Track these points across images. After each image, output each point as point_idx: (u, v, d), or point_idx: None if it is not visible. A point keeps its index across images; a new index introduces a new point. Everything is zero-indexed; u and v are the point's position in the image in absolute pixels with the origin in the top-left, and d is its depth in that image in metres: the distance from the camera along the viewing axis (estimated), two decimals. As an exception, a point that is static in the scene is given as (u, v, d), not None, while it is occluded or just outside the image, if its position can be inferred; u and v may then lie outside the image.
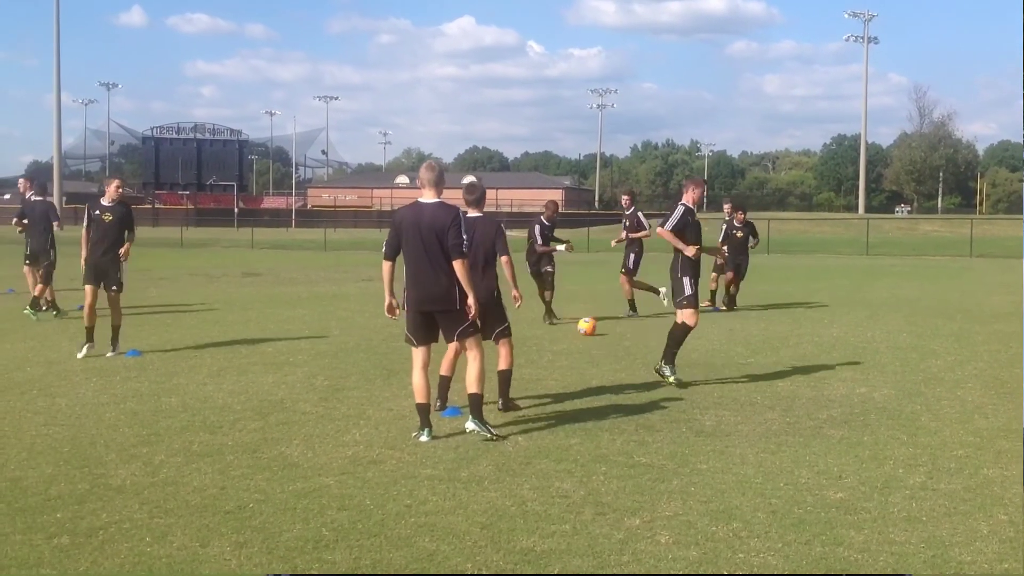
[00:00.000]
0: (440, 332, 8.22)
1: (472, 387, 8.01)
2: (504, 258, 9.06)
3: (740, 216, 19.64)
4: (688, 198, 10.89)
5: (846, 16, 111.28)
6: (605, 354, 12.74)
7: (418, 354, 8.07)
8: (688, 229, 10.77)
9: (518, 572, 5.11)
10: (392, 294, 8.20)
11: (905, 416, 8.96)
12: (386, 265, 8.12)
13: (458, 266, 7.86)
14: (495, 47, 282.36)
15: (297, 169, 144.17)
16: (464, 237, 7.96)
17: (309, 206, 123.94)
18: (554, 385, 10.41)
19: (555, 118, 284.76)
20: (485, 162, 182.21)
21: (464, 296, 7.93)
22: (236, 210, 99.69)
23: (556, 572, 5.10)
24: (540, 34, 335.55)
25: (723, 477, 6.89)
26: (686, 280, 10.59)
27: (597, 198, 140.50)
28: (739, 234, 19.36)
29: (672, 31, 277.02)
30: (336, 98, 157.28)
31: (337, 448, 7.64)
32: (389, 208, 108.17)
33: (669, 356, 10.54)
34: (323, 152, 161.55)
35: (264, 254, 45.81)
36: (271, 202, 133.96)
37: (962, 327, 15.85)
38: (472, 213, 8.96)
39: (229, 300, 20.63)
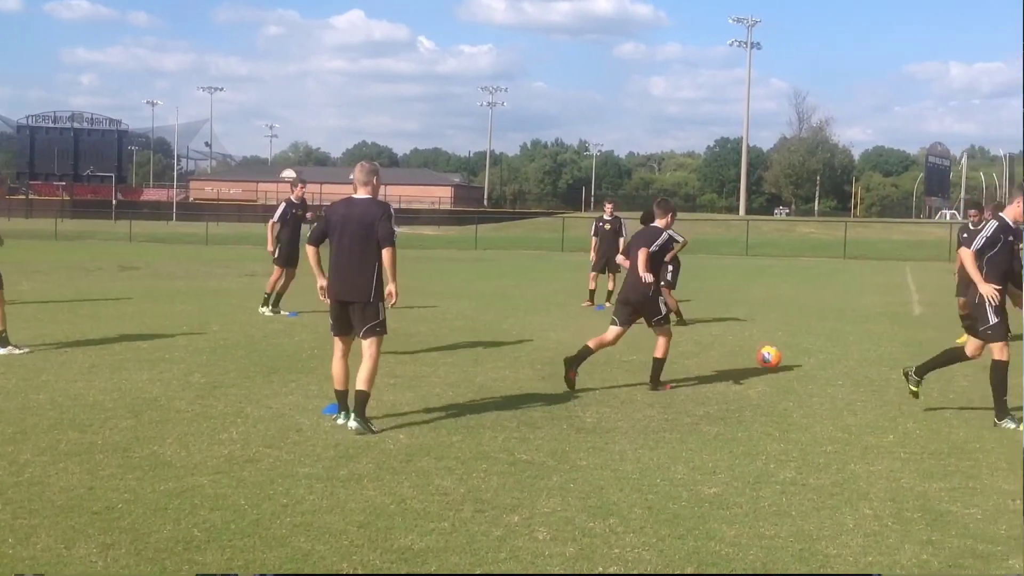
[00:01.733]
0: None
1: (361, 384, 8.12)
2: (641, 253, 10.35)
3: (608, 208, 20.08)
4: (1013, 213, 8.74)
5: (730, 21, 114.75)
6: (489, 351, 12.78)
7: (338, 343, 8.41)
8: (1000, 251, 8.71)
9: (394, 571, 5.08)
10: (323, 275, 8.47)
11: (778, 413, 9.20)
12: (311, 249, 8.52)
13: (387, 254, 8.19)
14: (385, 41, 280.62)
15: (179, 161, 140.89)
16: (395, 229, 8.33)
17: (191, 199, 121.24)
18: (438, 382, 10.38)
19: (445, 114, 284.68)
20: (374, 157, 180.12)
21: (380, 293, 8.28)
22: (114, 202, 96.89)
23: (433, 570, 5.09)
24: (431, 30, 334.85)
25: (602, 473, 6.96)
26: (988, 308, 8.69)
27: (486, 196, 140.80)
28: (608, 227, 19.67)
29: (562, 31, 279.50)
30: (221, 89, 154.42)
31: (212, 447, 7.48)
32: (274, 202, 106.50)
33: (1002, 407, 8.73)
34: (207, 144, 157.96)
35: (143, 247, 44.70)
36: (151, 194, 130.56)
37: (835, 326, 16.36)
38: (658, 222, 10.55)
39: (104, 294, 20.03)
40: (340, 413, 8.31)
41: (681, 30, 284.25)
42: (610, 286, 19.62)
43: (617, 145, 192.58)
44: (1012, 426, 8.65)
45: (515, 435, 8.04)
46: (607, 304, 19.22)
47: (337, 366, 8.39)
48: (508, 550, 5.37)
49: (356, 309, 8.25)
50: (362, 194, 8.40)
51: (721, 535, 5.67)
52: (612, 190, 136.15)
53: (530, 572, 5.10)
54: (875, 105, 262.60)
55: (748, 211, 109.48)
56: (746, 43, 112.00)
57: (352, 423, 8.02)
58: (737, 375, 11.22)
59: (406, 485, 6.55)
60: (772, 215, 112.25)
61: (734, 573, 5.14)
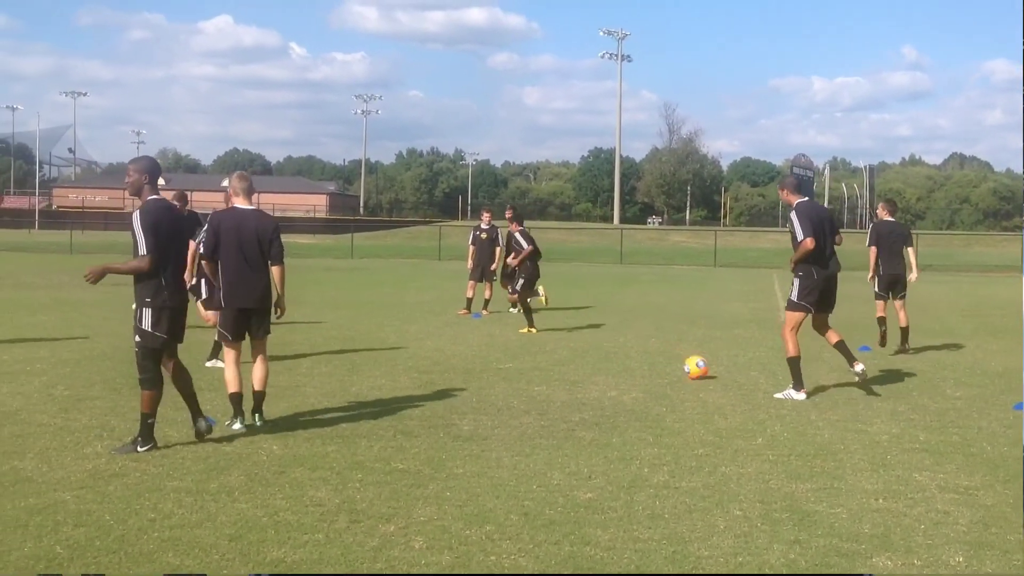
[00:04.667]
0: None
1: (262, 385, 8.65)
2: None
3: (486, 217, 20.15)
4: None
5: (601, 34, 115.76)
6: (365, 360, 12.66)
7: (234, 350, 8.66)
8: None
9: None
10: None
11: (651, 417, 9.34)
12: (209, 265, 8.67)
13: (278, 271, 8.71)
14: (256, 48, 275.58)
15: (41, 168, 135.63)
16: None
17: (54, 207, 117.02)
18: (312, 392, 10.24)
19: (319, 122, 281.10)
20: (246, 165, 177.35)
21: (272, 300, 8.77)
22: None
23: (307, 582, 5.00)
24: (302, 36, 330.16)
25: (478, 481, 6.96)
26: None
27: (362, 204, 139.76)
28: (484, 236, 19.77)
29: (436, 40, 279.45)
30: (84, 94, 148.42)
31: (76, 461, 7.22)
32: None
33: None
34: (70, 150, 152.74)
35: (3, 257, 42.92)
36: (12, 202, 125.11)
37: (705, 332, 16.71)
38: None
39: (-40, 305, 19.17)
40: (236, 418, 8.45)
41: (554, 41, 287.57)
42: (487, 294, 19.67)
43: (493, 154, 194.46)
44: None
45: (391, 444, 7.98)
46: (484, 312, 19.27)
47: (235, 371, 8.58)
48: (384, 560, 5.31)
49: (257, 315, 8.66)
50: (244, 204, 8.74)
51: (596, 539, 5.71)
52: (488, 199, 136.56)
53: (406, 582, 5.06)
54: (742, 117, 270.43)
55: (622, 220, 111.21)
56: (617, 55, 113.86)
57: (259, 421, 8.53)
58: (612, 381, 11.36)
59: (279, 497, 6.43)
60: (645, 224, 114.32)
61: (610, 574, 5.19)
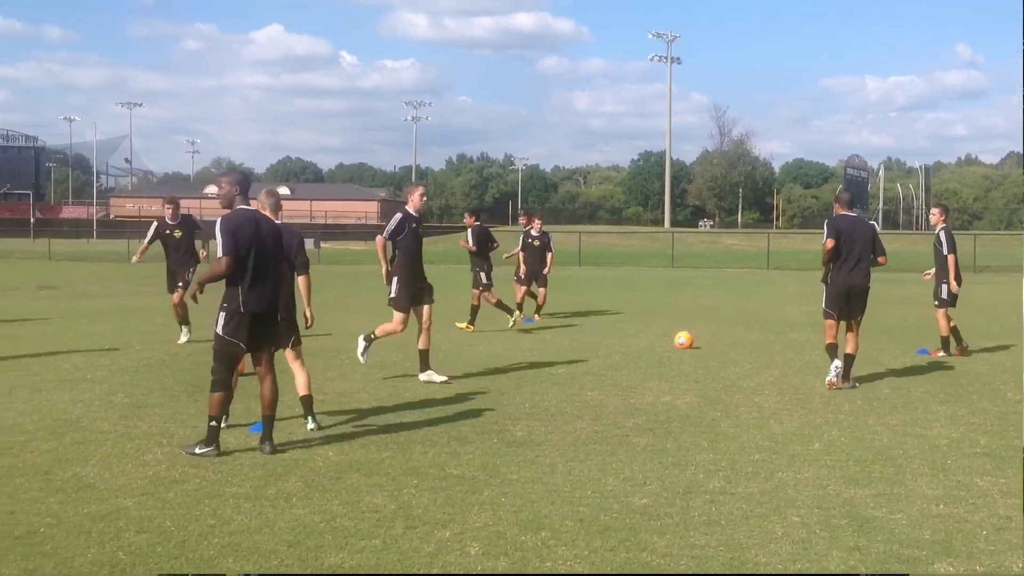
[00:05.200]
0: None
1: (304, 390, 8.73)
2: None
3: (537, 225, 19.97)
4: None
5: (650, 36, 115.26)
6: (418, 366, 12.69)
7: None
8: None
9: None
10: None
11: (706, 423, 9.29)
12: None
13: (306, 281, 9.04)
14: (307, 56, 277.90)
15: (98, 178, 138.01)
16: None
17: (112, 216, 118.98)
18: (367, 399, 10.31)
19: (370, 129, 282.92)
20: (299, 173, 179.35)
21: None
22: (32, 220, 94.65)
23: (365, 588, 5.04)
24: (352, 45, 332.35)
25: (533, 487, 6.96)
26: None
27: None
28: (536, 243, 19.70)
29: (485, 46, 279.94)
30: (140, 104, 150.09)
31: (137, 468, 7.33)
32: (198, 219, 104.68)
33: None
34: (126, 160, 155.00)
35: (62, 266, 43.74)
36: (71, 212, 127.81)
37: (759, 336, 16.58)
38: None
39: (22, 315, 19.57)
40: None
41: (602, 45, 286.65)
42: (540, 300, 19.68)
43: (542, 159, 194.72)
44: None
45: (446, 450, 8.01)
46: (536, 317, 19.28)
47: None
48: (440, 566, 5.34)
49: (283, 323, 8.58)
50: (272, 218, 8.78)
51: (652, 546, 5.69)
52: (539, 203, 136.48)
53: (463, 588, 5.08)
54: (794, 118, 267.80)
55: (673, 224, 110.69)
56: (666, 58, 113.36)
57: (311, 424, 8.67)
58: (665, 386, 11.31)
59: (336, 503, 6.48)
60: (697, 227, 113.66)
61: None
